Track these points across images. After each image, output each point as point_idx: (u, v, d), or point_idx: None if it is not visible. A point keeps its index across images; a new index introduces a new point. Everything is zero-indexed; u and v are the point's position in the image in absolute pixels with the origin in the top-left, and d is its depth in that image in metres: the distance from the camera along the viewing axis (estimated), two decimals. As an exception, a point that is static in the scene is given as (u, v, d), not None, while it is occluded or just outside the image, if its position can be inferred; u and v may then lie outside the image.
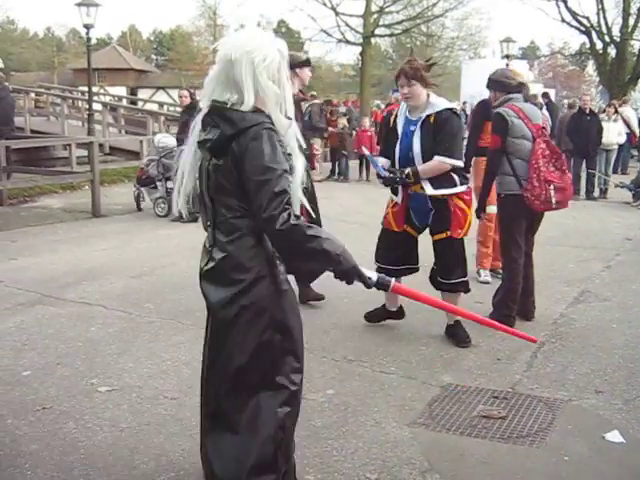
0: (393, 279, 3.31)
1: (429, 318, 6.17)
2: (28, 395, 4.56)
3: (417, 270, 5.92)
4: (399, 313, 6.13)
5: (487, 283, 7.44)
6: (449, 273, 5.61)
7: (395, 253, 5.74)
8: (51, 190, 14.28)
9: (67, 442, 3.95)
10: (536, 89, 35.48)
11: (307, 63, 6.55)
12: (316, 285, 7.01)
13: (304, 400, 4.46)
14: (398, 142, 5.48)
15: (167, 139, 12.56)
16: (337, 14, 35.91)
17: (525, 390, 4.74)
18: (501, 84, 6.24)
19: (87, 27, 20.80)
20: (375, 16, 36.28)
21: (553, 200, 5.81)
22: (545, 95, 19.24)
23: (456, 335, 5.67)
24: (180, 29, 67.35)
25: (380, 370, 5.03)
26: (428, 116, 5.36)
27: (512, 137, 5.91)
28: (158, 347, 5.43)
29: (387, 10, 37.29)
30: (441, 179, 5.37)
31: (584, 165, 14.89)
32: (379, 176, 5.53)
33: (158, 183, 12.09)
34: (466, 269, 5.74)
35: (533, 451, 3.93)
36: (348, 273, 3.01)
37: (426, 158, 5.33)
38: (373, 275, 3.21)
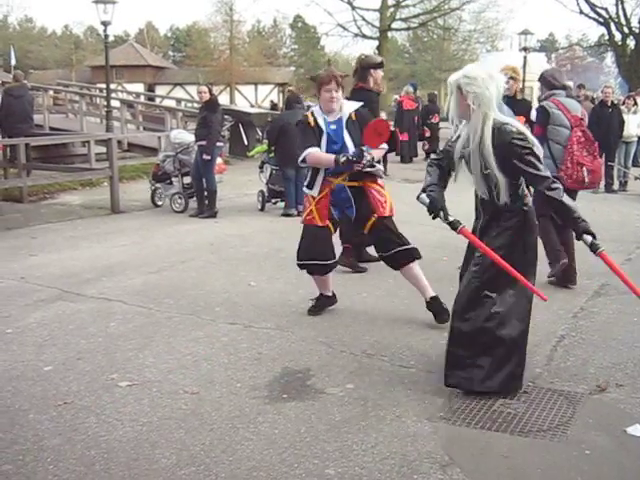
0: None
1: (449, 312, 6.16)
2: (50, 390, 4.59)
3: (336, 265, 6.18)
4: (333, 298, 6.35)
5: None
6: (399, 243, 5.99)
7: (322, 247, 5.97)
8: (70, 187, 14.37)
9: (88, 437, 3.98)
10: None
11: (381, 65, 7.61)
12: (335, 276, 7.04)
13: (323, 394, 4.48)
14: (325, 142, 5.80)
15: (183, 135, 12.59)
16: (353, 8, 35.88)
17: (545, 384, 4.72)
18: (548, 82, 7.20)
19: (104, 24, 20.90)
20: (392, 10, 36.22)
21: (586, 180, 6.82)
22: (580, 86, 19.01)
23: (435, 311, 5.97)
24: (197, 25, 67.45)
25: (400, 364, 5.02)
26: (350, 114, 5.87)
27: (552, 125, 6.89)
28: (178, 342, 5.45)
29: (404, 4, 37.22)
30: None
31: (604, 158, 14.78)
32: (349, 160, 5.66)
33: (174, 179, 12.13)
34: (403, 239, 6.04)
35: (554, 445, 3.91)
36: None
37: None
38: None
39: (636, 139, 16.10)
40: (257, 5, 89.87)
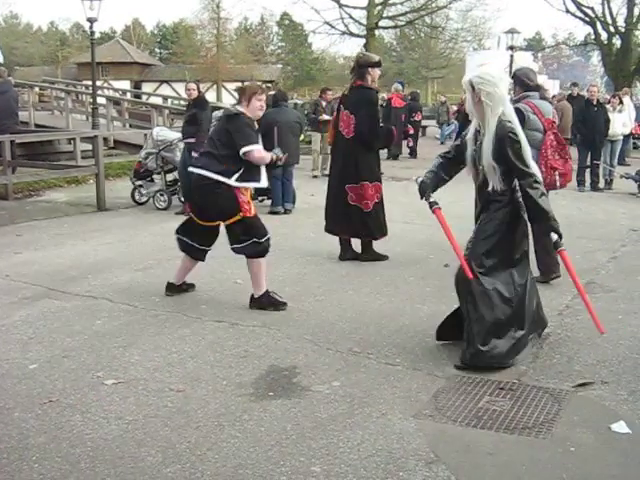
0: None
1: (434, 310, 6.18)
2: (35, 388, 4.57)
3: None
4: (182, 287, 6.73)
5: None
6: (247, 236, 6.34)
7: (206, 235, 6.55)
8: (56, 184, 14.30)
9: (74, 435, 3.97)
10: (540, 80, 35.48)
11: (378, 64, 7.87)
12: (322, 274, 7.05)
13: (309, 392, 4.48)
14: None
15: (165, 132, 12.54)
16: (340, 6, 35.86)
17: (531, 381, 4.74)
18: (522, 82, 7.23)
19: (91, 21, 20.82)
20: (379, 8, 36.22)
21: (557, 183, 7.10)
22: (574, 85, 19.22)
23: (271, 302, 6.27)
24: (184, 22, 67.32)
25: (386, 362, 5.03)
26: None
27: (528, 129, 6.51)
28: (164, 340, 5.44)
29: (391, 2, 37.20)
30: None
31: (590, 156, 14.84)
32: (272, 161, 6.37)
33: (157, 176, 12.09)
34: (265, 231, 6.43)
35: (539, 442, 3.93)
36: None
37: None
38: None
39: (622, 138, 16.17)
40: (244, 2, 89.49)
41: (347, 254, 8.12)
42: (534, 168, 4.97)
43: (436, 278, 7.28)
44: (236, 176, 6.12)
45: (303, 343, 5.39)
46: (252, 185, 6.35)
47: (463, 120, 19.75)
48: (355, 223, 7.96)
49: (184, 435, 3.96)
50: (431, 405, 4.36)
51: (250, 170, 6.19)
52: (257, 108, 6.27)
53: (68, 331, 5.65)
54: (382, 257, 8.12)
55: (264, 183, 6.43)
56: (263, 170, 6.34)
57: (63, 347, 5.30)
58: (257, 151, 6.15)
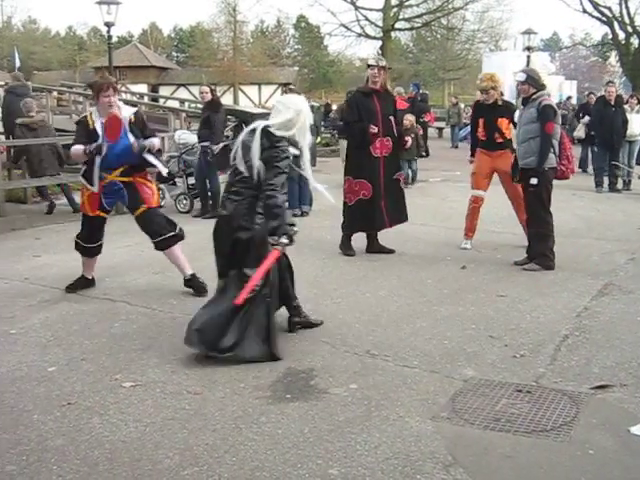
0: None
1: (452, 312, 6.17)
2: (54, 391, 4.60)
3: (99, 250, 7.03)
4: (92, 281, 7.08)
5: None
6: (160, 232, 6.75)
7: (92, 233, 6.90)
8: (74, 187, 14.35)
9: (92, 437, 3.99)
10: (557, 81, 35.31)
11: (369, 66, 8.38)
12: (339, 276, 7.05)
13: (327, 394, 4.48)
14: (105, 140, 6.49)
15: (187, 135, 12.58)
16: (357, 8, 35.91)
17: (549, 384, 4.72)
18: (536, 82, 7.64)
19: (108, 25, 20.93)
20: (395, 10, 36.23)
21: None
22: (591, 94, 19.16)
23: (195, 287, 6.76)
24: (200, 26, 67.45)
25: (403, 364, 5.03)
26: (130, 117, 6.65)
27: (556, 123, 7.52)
28: (181, 343, 5.41)
29: (407, 4, 37.23)
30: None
31: (608, 157, 14.74)
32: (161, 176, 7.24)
33: (179, 179, 12.12)
34: (174, 226, 6.83)
35: (557, 445, 3.91)
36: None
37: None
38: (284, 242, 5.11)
39: (640, 138, 16.05)
40: (260, 5, 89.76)
41: (373, 247, 8.60)
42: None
43: (453, 280, 7.26)
44: (80, 172, 6.81)
45: (320, 345, 5.39)
46: (85, 183, 6.75)
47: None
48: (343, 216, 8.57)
49: (202, 437, 3.97)
50: (449, 408, 4.35)
51: (87, 167, 6.67)
52: (105, 104, 6.50)
53: (86, 334, 5.68)
54: (349, 253, 8.46)
55: (93, 186, 6.67)
56: (93, 169, 6.60)
57: (81, 350, 5.34)
58: (72, 149, 6.67)
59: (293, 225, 5.24)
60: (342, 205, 8.45)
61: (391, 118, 8.35)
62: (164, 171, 7.16)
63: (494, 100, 8.36)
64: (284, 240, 5.09)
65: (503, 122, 8.31)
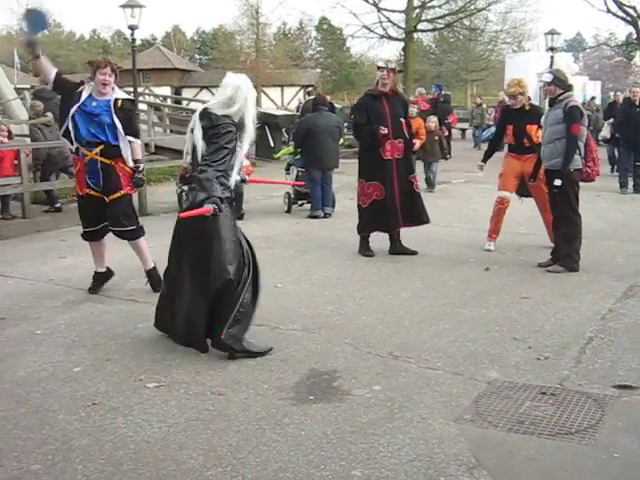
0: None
1: (475, 314, 6.15)
2: (79, 391, 4.64)
3: (106, 231, 6.97)
4: (108, 273, 7.12)
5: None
6: (123, 222, 6.79)
7: (90, 215, 6.89)
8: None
9: (117, 437, 4.02)
10: (581, 82, 35.05)
11: (379, 67, 8.41)
12: (362, 278, 7.05)
13: (350, 396, 4.49)
14: (76, 110, 6.51)
15: None
16: (379, 10, 35.80)
17: (573, 386, 4.69)
18: (563, 83, 7.58)
19: (132, 28, 21.03)
20: (417, 11, 36.07)
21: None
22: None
23: (153, 275, 6.91)
24: (223, 28, 67.66)
25: (426, 366, 5.02)
26: (117, 100, 6.62)
27: (582, 124, 7.51)
28: (205, 344, 5.47)
29: (429, 5, 37.06)
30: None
31: (632, 157, 14.61)
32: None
33: None
34: (138, 219, 6.96)
35: (582, 448, 3.88)
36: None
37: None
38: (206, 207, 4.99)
39: (665, 139, 15.87)
40: (283, 8, 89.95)
41: (396, 249, 8.62)
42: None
43: (477, 282, 7.24)
44: (61, 131, 6.87)
45: (343, 347, 5.39)
46: (67, 142, 6.89)
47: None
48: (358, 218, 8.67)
49: (225, 438, 3.98)
50: (472, 410, 4.34)
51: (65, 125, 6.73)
52: (100, 82, 6.56)
53: (111, 335, 5.72)
54: (367, 254, 8.51)
55: (72, 145, 6.73)
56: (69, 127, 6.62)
57: (106, 350, 5.37)
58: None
59: (222, 200, 5.11)
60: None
61: (401, 120, 8.39)
62: (129, 162, 6.78)
63: (522, 105, 8.34)
64: (210, 206, 5.01)
65: (532, 128, 8.27)
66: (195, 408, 4.38)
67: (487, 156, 8.85)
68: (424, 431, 4.05)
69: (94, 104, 6.57)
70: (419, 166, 14.05)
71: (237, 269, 5.25)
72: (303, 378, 4.81)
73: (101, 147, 6.59)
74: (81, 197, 6.90)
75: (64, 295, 6.87)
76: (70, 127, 6.59)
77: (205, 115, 5.26)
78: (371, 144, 8.24)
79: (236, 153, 5.28)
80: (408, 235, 8.72)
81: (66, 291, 7.01)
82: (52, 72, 6.67)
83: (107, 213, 6.78)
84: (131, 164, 6.75)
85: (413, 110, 13.50)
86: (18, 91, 21.64)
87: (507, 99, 8.57)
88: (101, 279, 7.07)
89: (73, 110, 6.53)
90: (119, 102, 6.62)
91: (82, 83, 6.75)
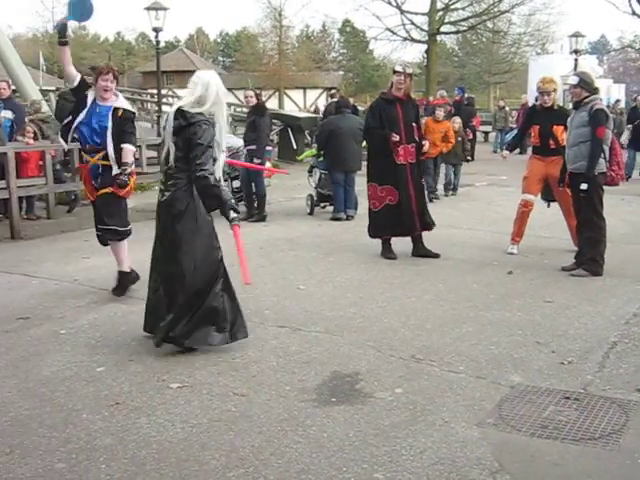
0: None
1: (498, 317, 6.12)
2: (102, 390, 4.67)
3: (128, 233, 7.08)
4: (132, 274, 7.08)
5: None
6: (111, 222, 6.85)
7: (97, 216, 7.01)
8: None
9: (140, 437, 4.04)
10: (605, 84, 34.80)
11: (395, 72, 8.38)
12: (384, 280, 7.04)
13: (372, 398, 4.48)
14: (85, 116, 6.65)
15: (232, 139, 12.65)
16: (402, 12, 35.78)
17: (597, 391, 4.65)
18: (589, 85, 7.53)
19: (156, 31, 21.14)
20: (440, 13, 36.04)
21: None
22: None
23: (122, 281, 6.90)
24: (246, 31, 67.84)
25: (449, 369, 5.00)
26: (116, 108, 6.69)
27: (608, 128, 7.46)
28: (228, 345, 5.48)
29: (453, 7, 36.99)
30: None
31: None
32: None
33: (223, 183, 12.18)
34: (127, 222, 6.99)
35: (606, 453, 3.85)
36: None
37: (115, 142, 6.64)
38: (235, 216, 5.24)
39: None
40: (306, 10, 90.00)
41: (419, 251, 8.60)
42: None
43: (500, 285, 7.21)
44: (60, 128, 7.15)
45: (365, 349, 5.39)
46: (61, 140, 7.05)
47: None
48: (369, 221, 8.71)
49: (247, 439, 3.99)
50: (495, 414, 4.32)
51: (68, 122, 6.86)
52: (101, 88, 6.65)
53: (134, 335, 5.75)
54: (389, 256, 8.46)
55: (66, 143, 7.00)
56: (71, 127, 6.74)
57: (129, 351, 5.40)
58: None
59: (231, 199, 5.36)
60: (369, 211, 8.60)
61: (413, 125, 8.40)
62: (114, 169, 6.75)
63: (552, 104, 8.29)
64: (234, 214, 5.22)
65: (558, 129, 8.18)
66: (218, 409, 4.39)
67: (510, 146, 8.84)
68: (446, 435, 4.04)
69: (97, 110, 6.68)
70: (441, 168, 14.04)
71: (207, 275, 5.42)
72: (325, 380, 4.82)
73: (102, 153, 6.70)
74: (93, 203, 7.04)
75: (88, 295, 6.92)
76: (76, 135, 6.78)
77: (179, 114, 5.24)
78: (382, 149, 8.24)
79: (214, 148, 5.31)
80: (431, 238, 8.69)
81: (90, 291, 7.06)
82: (74, 72, 6.80)
83: (96, 209, 6.96)
84: (116, 170, 6.75)
85: (440, 114, 13.38)
86: (43, 93, 21.87)
87: (526, 98, 8.50)
88: (126, 280, 7.04)
89: (80, 118, 6.66)
90: (119, 111, 6.71)
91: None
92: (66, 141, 6.91)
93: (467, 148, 15.02)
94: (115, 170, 6.70)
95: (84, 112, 6.66)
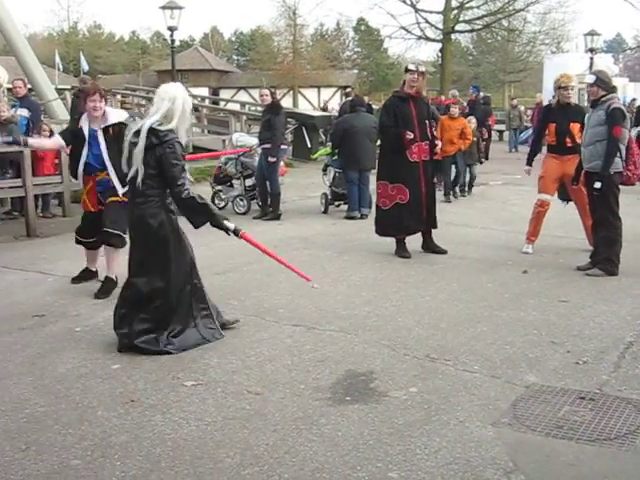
0: (242, 229, 5.50)
1: (513, 317, 6.10)
2: (117, 388, 4.69)
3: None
4: (96, 274, 7.38)
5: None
6: (113, 226, 6.89)
7: (92, 228, 7.10)
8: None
9: (154, 434, 4.05)
10: (621, 83, 34.62)
11: (409, 70, 8.36)
12: (398, 279, 7.04)
13: (387, 397, 4.48)
14: (87, 147, 6.87)
15: (245, 138, 12.69)
16: (417, 11, 35.78)
17: (613, 391, 4.63)
18: (607, 84, 7.48)
19: (171, 29, 21.23)
20: (455, 12, 36.01)
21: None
22: None
23: (107, 285, 6.97)
24: (260, 29, 68.04)
25: (463, 369, 4.99)
26: (106, 128, 6.83)
27: (624, 127, 7.40)
28: (242, 343, 5.50)
29: (467, 5, 36.94)
30: None
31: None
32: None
33: (236, 181, 12.22)
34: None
35: (622, 454, 3.84)
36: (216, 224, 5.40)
37: (114, 161, 6.62)
38: (231, 225, 5.44)
39: None
40: (320, 9, 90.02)
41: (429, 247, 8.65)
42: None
43: (515, 284, 7.18)
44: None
45: (380, 348, 5.39)
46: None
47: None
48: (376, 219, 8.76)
49: (262, 438, 4.00)
50: (510, 413, 4.31)
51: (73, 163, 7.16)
52: (90, 109, 6.78)
53: (149, 333, 5.76)
54: (404, 255, 8.43)
55: (77, 179, 7.28)
56: (78, 166, 6.99)
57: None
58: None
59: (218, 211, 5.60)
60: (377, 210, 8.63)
61: (426, 122, 8.40)
62: (119, 189, 6.89)
63: (569, 101, 8.25)
64: (230, 224, 5.45)
65: (575, 126, 8.14)
66: (232, 407, 4.40)
67: (531, 159, 8.76)
68: (461, 434, 4.03)
69: (93, 135, 6.87)
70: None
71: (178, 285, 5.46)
72: (340, 379, 4.82)
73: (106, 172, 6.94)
74: (91, 212, 7.13)
75: (103, 293, 6.94)
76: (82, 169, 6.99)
77: (151, 133, 5.22)
78: (396, 146, 8.22)
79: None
80: (446, 237, 8.69)
81: (105, 289, 7.08)
82: (56, 141, 7.37)
83: (102, 214, 6.99)
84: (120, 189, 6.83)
85: (455, 110, 13.31)
86: (59, 91, 21.99)
87: (557, 92, 8.33)
88: (88, 276, 7.39)
89: (85, 152, 6.87)
90: (110, 130, 6.82)
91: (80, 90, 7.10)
92: (76, 177, 7.18)
93: (481, 149, 14.79)
94: (120, 189, 6.79)
95: (85, 147, 6.85)
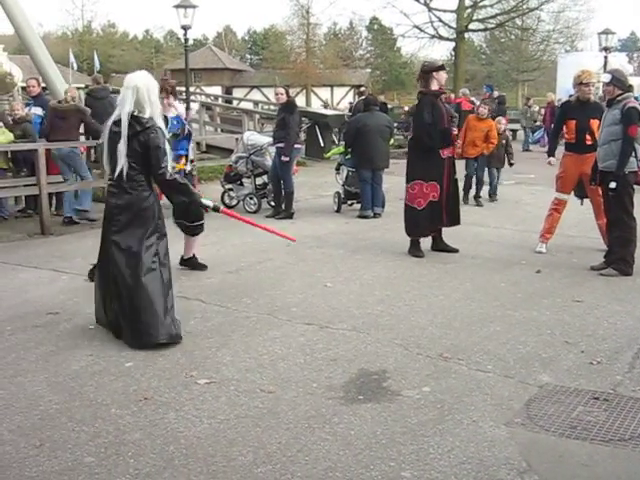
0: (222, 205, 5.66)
1: (526, 317, 6.08)
2: (131, 385, 4.70)
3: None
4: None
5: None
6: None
7: None
8: (150, 187, 14.60)
9: (168, 432, 4.06)
10: (635, 82, 34.42)
11: (442, 67, 8.45)
12: (412, 278, 7.03)
13: (399, 397, 4.47)
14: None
15: (256, 137, 12.68)
16: (430, 10, 35.73)
17: (627, 392, 4.61)
18: (622, 83, 7.42)
19: (184, 28, 21.23)
20: (469, 11, 35.94)
21: None
22: None
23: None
24: (274, 28, 68.05)
25: (477, 368, 4.98)
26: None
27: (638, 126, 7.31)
28: (255, 341, 5.51)
29: (481, 4, 36.85)
30: None
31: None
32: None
33: (247, 180, 12.24)
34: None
35: (636, 455, 3.81)
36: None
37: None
38: (210, 203, 5.91)
39: None
40: (333, 8, 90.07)
41: (438, 246, 8.66)
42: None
43: (528, 284, 7.16)
44: None
45: (393, 347, 5.38)
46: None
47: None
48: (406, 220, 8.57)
49: (275, 436, 4.00)
50: (523, 413, 4.29)
51: None
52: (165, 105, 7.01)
53: (162, 331, 5.77)
54: (418, 254, 8.41)
55: None
56: None
57: (157, 346, 5.42)
58: None
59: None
60: (405, 210, 8.53)
61: (451, 119, 8.50)
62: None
63: (589, 97, 8.19)
64: (208, 202, 5.91)
65: (595, 123, 8.04)
66: (245, 405, 4.40)
67: (551, 151, 8.74)
68: (474, 434, 4.02)
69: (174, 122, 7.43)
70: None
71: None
72: (353, 378, 4.81)
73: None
74: None
75: (117, 291, 6.96)
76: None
77: (134, 120, 5.35)
78: (439, 145, 8.17)
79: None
80: (459, 236, 8.67)
81: (118, 287, 7.10)
82: None
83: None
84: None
85: (484, 111, 12.62)
86: (73, 90, 21.93)
87: (577, 89, 8.23)
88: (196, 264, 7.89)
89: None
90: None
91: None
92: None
93: (510, 151, 13.42)
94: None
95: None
